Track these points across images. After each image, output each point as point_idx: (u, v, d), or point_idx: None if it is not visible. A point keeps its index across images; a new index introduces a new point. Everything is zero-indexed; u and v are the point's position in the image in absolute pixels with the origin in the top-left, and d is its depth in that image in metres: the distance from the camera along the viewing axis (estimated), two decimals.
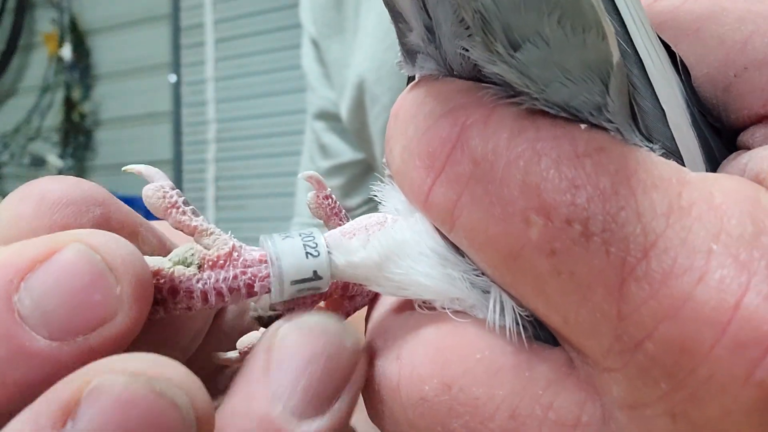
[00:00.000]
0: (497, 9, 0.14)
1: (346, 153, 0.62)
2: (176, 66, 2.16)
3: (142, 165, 0.20)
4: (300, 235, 0.18)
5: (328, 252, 0.18)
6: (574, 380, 0.15)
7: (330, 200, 0.22)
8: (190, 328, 0.22)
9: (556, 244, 0.14)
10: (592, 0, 0.14)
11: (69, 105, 2.35)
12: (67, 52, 2.31)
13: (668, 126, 0.16)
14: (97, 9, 2.32)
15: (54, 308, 0.15)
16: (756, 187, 0.15)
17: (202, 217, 0.19)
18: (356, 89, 0.48)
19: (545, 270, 0.14)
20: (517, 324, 0.16)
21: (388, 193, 0.20)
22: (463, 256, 0.17)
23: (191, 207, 0.19)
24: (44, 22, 2.40)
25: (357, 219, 0.19)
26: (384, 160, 0.19)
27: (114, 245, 0.16)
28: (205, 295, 0.18)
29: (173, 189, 0.19)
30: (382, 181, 0.20)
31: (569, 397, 0.15)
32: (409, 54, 0.18)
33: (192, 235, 0.19)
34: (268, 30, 1.92)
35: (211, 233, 0.19)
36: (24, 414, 0.14)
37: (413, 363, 0.17)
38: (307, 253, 0.18)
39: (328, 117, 0.61)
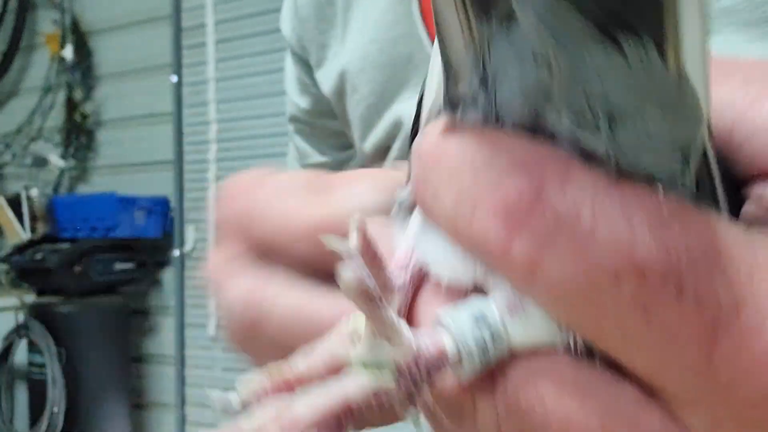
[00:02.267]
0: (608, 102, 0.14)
1: (312, 155, 0.64)
2: (177, 67, 2.17)
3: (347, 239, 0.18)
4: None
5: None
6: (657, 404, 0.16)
7: None
8: None
9: (649, 300, 0.15)
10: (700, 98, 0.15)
11: (71, 105, 2.36)
12: (68, 52, 2.32)
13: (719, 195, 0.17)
14: (98, 10, 2.33)
15: None
16: None
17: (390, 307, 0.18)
18: (338, 78, 0.50)
19: (635, 324, 0.15)
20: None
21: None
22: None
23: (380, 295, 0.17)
24: (46, 22, 2.41)
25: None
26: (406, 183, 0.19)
27: None
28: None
29: (370, 278, 0.17)
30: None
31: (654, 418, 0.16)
32: (451, 102, 0.17)
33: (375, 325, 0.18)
34: (268, 31, 1.93)
35: (396, 330, 0.17)
36: None
37: None
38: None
39: (297, 120, 0.63)
